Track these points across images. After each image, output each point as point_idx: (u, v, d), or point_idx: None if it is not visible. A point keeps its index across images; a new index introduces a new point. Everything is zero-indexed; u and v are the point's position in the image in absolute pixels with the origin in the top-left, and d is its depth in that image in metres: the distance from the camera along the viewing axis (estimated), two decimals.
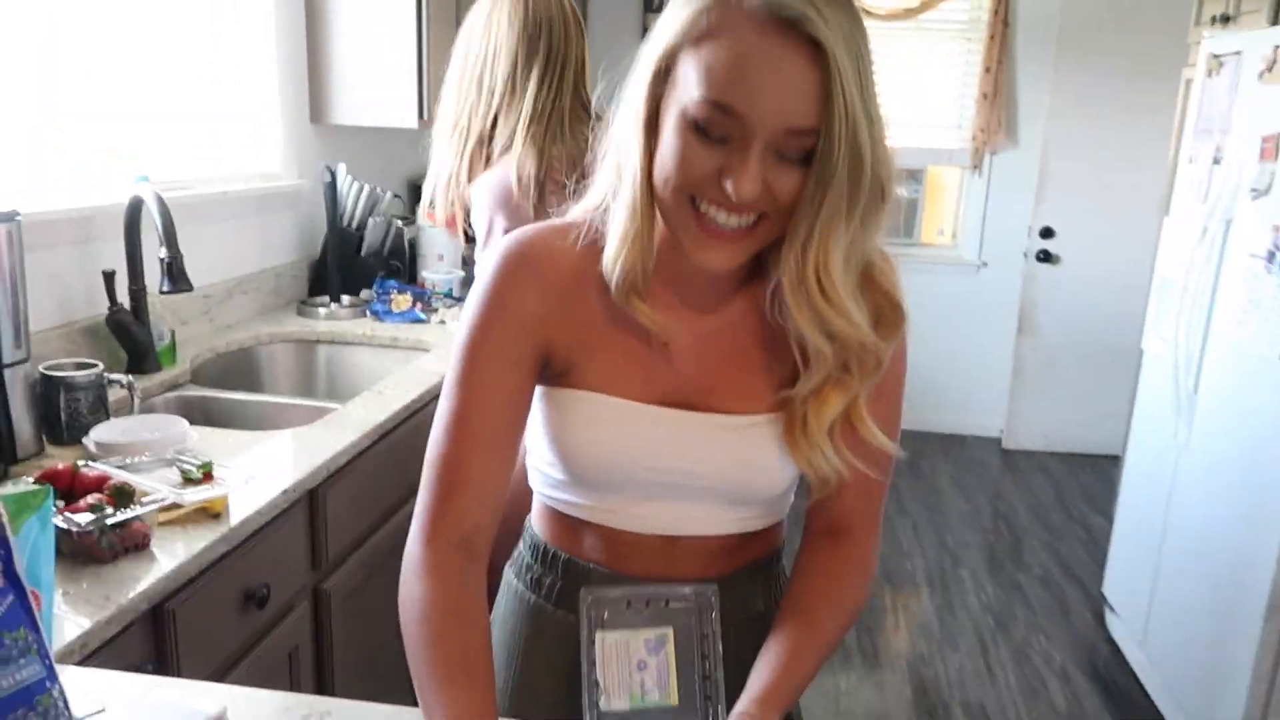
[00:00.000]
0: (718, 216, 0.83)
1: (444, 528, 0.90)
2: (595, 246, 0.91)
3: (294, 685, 1.57)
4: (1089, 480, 4.54)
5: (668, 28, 0.84)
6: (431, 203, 1.93)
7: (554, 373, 0.95)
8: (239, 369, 2.28)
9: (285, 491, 1.45)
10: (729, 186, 0.81)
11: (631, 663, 0.86)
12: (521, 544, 1.09)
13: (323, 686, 1.68)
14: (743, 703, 0.87)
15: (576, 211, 0.96)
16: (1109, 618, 3.18)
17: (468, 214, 1.95)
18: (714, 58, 0.79)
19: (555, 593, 1.02)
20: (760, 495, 0.98)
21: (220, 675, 1.34)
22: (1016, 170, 4.78)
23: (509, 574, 1.10)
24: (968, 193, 4.99)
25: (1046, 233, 4.66)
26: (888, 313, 0.91)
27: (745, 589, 1.03)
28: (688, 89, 0.81)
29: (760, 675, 0.90)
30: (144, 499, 1.23)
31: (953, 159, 4.91)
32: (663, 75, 0.84)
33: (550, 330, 0.92)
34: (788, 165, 0.81)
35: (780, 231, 0.86)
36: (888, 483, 1.01)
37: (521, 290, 0.92)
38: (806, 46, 0.77)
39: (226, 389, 2.09)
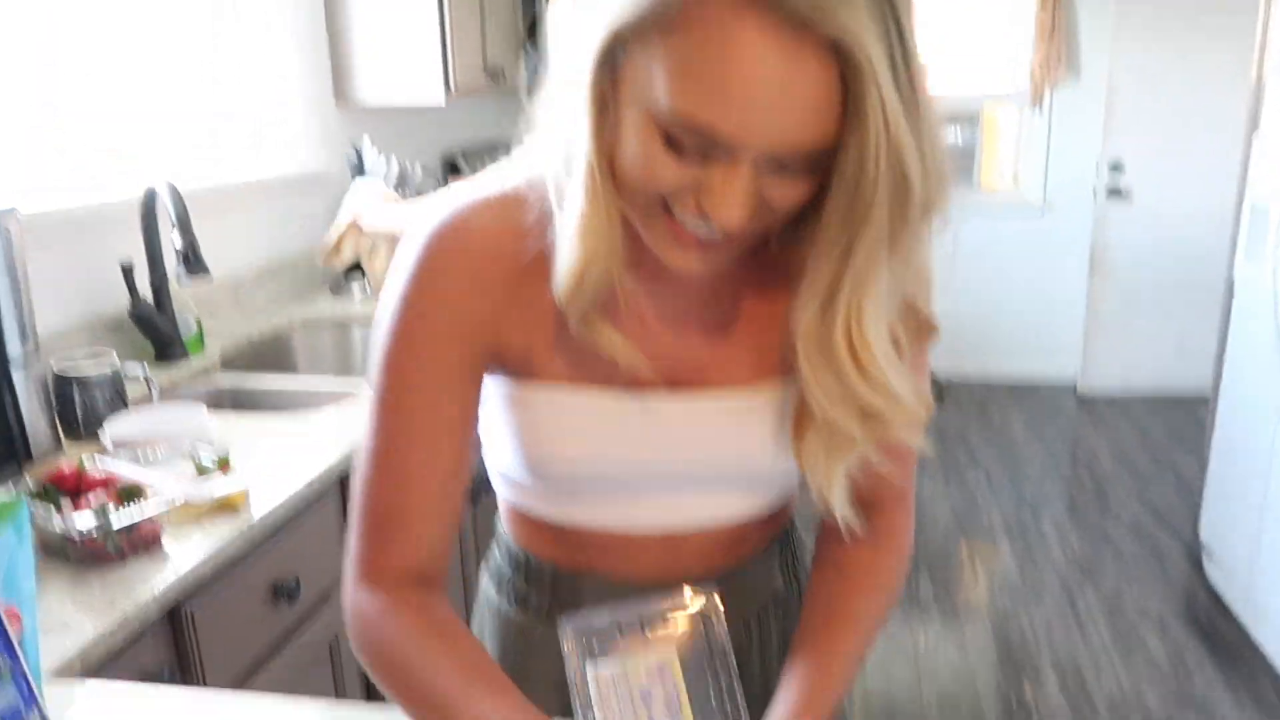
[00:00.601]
0: (698, 229, 0.64)
1: (386, 572, 0.74)
2: (543, 220, 0.71)
3: (336, 678, 1.49)
4: (1176, 422, 4.29)
5: None
6: None
7: (509, 369, 0.77)
8: (272, 355, 2.21)
9: (311, 482, 1.36)
10: (707, 208, 0.62)
11: (634, 695, 0.73)
12: (496, 550, 0.93)
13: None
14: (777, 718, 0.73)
15: (518, 175, 0.74)
16: (1207, 565, 2.99)
17: None
18: (689, 62, 0.58)
19: (544, 611, 0.86)
20: (774, 475, 0.81)
21: (250, 675, 1.26)
22: (1080, 105, 4.51)
23: (488, 586, 0.93)
24: (1028, 132, 4.74)
25: (1115, 167, 4.40)
26: (914, 326, 0.73)
27: (762, 572, 0.89)
28: (652, 90, 0.60)
29: (793, 688, 0.75)
30: (153, 497, 1.15)
31: (1010, 98, 4.66)
32: (611, 59, 0.62)
33: (497, 329, 0.74)
34: (790, 175, 0.62)
35: (777, 225, 0.67)
36: (914, 465, 0.86)
37: (456, 288, 0.72)
38: (822, 48, 0.56)
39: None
